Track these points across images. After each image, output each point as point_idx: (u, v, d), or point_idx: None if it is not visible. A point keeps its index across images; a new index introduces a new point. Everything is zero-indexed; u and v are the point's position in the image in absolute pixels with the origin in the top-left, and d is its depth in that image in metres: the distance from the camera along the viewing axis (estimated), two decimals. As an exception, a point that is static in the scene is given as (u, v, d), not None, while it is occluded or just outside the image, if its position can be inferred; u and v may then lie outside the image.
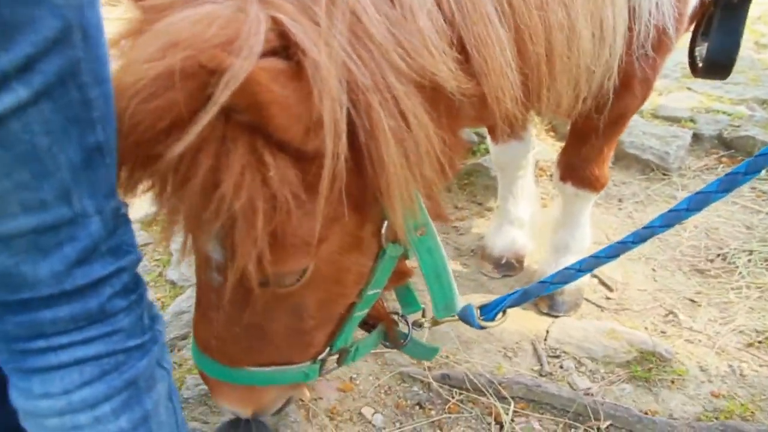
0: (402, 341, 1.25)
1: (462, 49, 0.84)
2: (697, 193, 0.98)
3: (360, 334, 1.21)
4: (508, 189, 2.08)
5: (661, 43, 1.29)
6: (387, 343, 1.26)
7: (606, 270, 2.14)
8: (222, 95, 0.60)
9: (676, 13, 1.23)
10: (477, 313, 1.17)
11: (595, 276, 2.10)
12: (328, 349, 1.08)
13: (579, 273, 1.11)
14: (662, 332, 1.88)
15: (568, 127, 1.78)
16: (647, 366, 1.73)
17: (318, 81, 0.67)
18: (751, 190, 2.61)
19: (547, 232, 2.09)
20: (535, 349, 1.80)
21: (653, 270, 2.16)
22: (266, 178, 0.69)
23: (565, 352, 1.79)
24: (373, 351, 1.77)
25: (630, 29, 1.13)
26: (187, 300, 1.96)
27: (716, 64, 1.53)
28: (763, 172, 2.69)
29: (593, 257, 1.09)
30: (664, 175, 2.73)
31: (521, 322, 1.91)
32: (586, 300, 1.99)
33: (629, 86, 1.39)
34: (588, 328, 1.85)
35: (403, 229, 0.91)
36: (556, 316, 1.91)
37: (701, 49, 1.62)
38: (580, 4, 0.95)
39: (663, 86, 3.49)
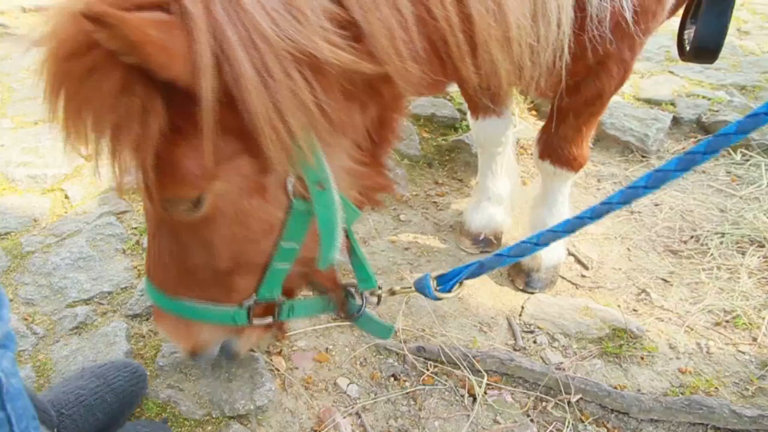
0: (354, 314, 1.29)
1: (354, 25, 0.88)
2: (656, 170, 0.99)
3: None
4: (487, 166, 2.09)
5: (621, 28, 1.27)
6: (341, 314, 1.31)
7: (582, 248, 2.17)
8: (100, 36, 0.75)
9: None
10: (433, 284, 1.20)
11: (571, 254, 2.13)
12: (254, 297, 1.15)
13: (536, 246, 1.14)
14: (634, 310, 1.92)
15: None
16: (618, 342, 1.77)
17: (193, 29, 0.78)
18: (725, 174, 2.65)
19: (526, 210, 2.12)
20: (509, 324, 1.83)
21: (628, 249, 2.20)
22: (135, 106, 0.82)
23: (539, 328, 1.82)
24: (350, 324, 1.80)
25: (582, 10, 1.13)
26: (164, 269, 1.95)
27: (704, 48, 1.53)
28: (738, 155, 2.76)
29: (550, 231, 1.12)
30: (643, 156, 2.76)
31: (497, 298, 1.94)
32: (562, 277, 2.02)
33: (605, 66, 1.40)
34: (562, 304, 1.89)
35: (283, 177, 0.99)
36: (532, 293, 1.94)
37: (690, 33, 1.62)
38: None
39: (645, 69, 3.51)
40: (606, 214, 1.07)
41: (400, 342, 1.73)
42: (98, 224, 2.17)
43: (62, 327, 1.75)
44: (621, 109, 2.99)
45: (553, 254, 1.94)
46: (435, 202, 2.39)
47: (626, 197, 1.03)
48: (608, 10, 1.15)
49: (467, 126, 2.73)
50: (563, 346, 1.77)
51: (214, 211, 0.98)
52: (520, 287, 1.95)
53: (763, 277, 2.04)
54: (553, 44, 1.05)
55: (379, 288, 1.31)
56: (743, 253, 2.16)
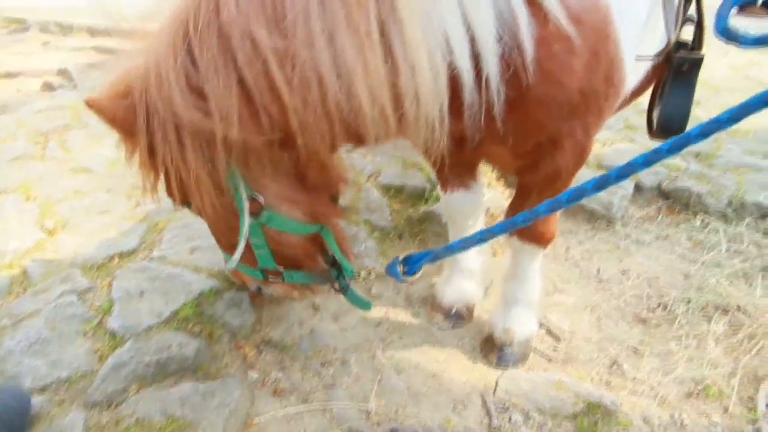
0: (342, 288, 1.62)
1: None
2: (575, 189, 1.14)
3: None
4: (457, 238, 2.10)
5: (572, 108, 1.36)
6: (334, 287, 1.64)
7: (553, 319, 2.18)
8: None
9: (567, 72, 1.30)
10: (401, 268, 1.51)
11: (543, 326, 2.13)
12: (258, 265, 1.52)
13: (480, 242, 1.37)
14: (607, 383, 1.91)
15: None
16: (593, 418, 1.75)
17: (137, 108, 1.17)
18: (687, 240, 2.73)
19: (497, 281, 2.12)
20: (484, 402, 1.80)
21: (598, 319, 2.21)
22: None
23: (513, 405, 1.80)
24: (322, 407, 1.75)
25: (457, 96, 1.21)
26: (127, 351, 1.88)
27: (668, 128, 1.61)
28: (698, 221, 2.85)
29: (488, 230, 1.33)
30: (608, 224, 2.83)
31: (470, 374, 1.91)
32: (534, 351, 2.01)
33: (560, 145, 1.44)
34: (536, 379, 1.87)
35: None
36: (505, 368, 1.92)
37: (657, 113, 1.68)
38: (352, 52, 1.07)
39: (606, 137, 3.65)
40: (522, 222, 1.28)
41: (374, 425, 1.68)
42: (59, 304, 2.10)
43: (15, 419, 1.65)
44: (585, 177, 3.07)
45: (525, 328, 1.94)
46: (406, 274, 2.39)
47: (552, 206, 1.20)
48: (502, 94, 1.22)
49: (437, 196, 2.78)
50: (538, 423, 1.74)
51: (200, 211, 1.36)
52: (493, 363, 1.94)
53: (729, 344, 2.07)
54: (428, 97, 1.14)
55: (358, 274, 1.71)
56: (709, 320, 2.19)
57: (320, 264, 1.61)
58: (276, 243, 1.46)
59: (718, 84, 4.83)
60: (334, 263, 1.59)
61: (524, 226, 1.28)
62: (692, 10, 1.61)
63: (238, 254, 1.40)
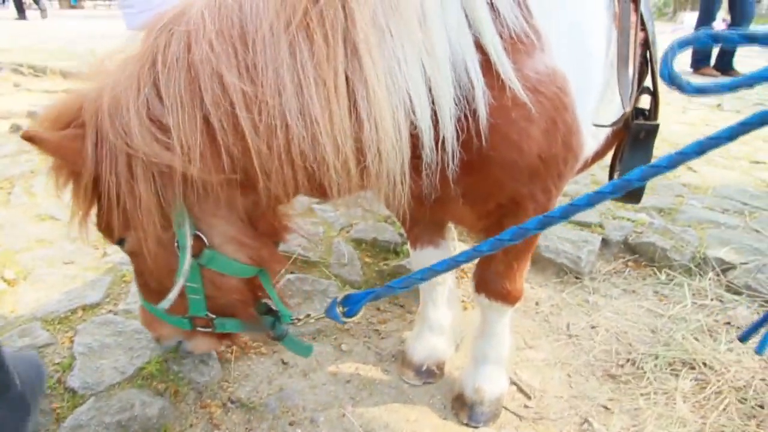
0: (280, 335, 1.61)
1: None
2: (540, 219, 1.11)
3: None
4: (428, 295, 2.11)
5: (532, 171, 1.40)
6: (269, 335, 1.60)
7: (524, 376, 2.18)
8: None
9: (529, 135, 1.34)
10: (340, 309, 1.48)
11: (513, 383, 2.12)
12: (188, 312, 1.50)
13: (421, 280, 1.32)
14: (578, 442, 1.90)
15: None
16: (565, 480, 1.73)
17: (87, 138, 1.19)
18: (654, 294, 2.78)
19: (468, 336, 2.12)
20: (455, 464, 1.77)
21: (569, 376, 2.22)
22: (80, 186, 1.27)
23: (485, 466, 1.77)
24: None
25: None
26: (87, 411, 1.80)
27: (628, 192, 1.67)
28: (663, 275, 2.92)
29: (431, 268, 1.28)
30: (577, 278, 2.87)
31: (442, 434, 1.89)
32: (505, 409, 2.00)
33: (522, 206, 1.48)
34: (507, 439, 1.85)
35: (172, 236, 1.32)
36: (476, 428, 1.90)
37: (617, 176, 1.76)
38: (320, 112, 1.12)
39: (574, 191, 3.75)
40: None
41: (342, 490, 1.64)
42: (17, 360, 2.01)
43: (-38, 487, 1.56)
44: (553, 231, 3.14)
45: (495, 386, 1.93)
46: (377, 330, 2.37)
47: (517, 235, 1.15)
48: (457, 155, 1.26)
49: (407, 251, 2.79)
50: (510, 486, 1.71)
51: (133, 249, 1.38)
52: (464, 421, 1.91)
53: (696, 401, 2.09)
54: (390, 153, 1.17)
55: (297, 318, 1.60)
56: (677, 376, 2.22)
57: (253, 312, 1.58)
58: (213, 286, 1.44)
59: (676, 140, 5.04)
60: (268, 311, 1.59)
61: (489, 252, 1.21)
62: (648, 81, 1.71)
63: (173, 295, 1.38)
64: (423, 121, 1.18)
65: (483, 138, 1.26)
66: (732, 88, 0.88)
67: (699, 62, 8.74)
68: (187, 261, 1.32)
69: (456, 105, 1.21)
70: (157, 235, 1.27)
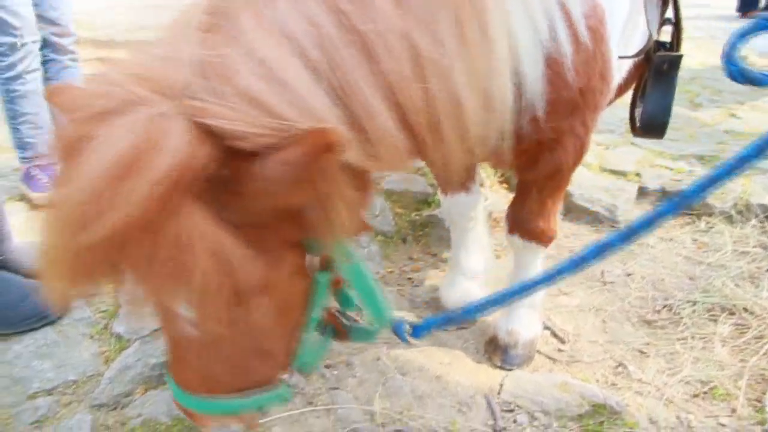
0: (348, 334, 1.35)
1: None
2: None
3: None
4: (460, 241, 2.11)
5: (573, 106, 1.38)
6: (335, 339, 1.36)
7: (558, 321, 2.18)
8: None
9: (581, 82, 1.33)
10: (407, 328, 1.31)
11: (547, 328, 2.13)
12: (293, 367, 1.16)
13: (496, 304, 1.23)
14: (613, 384, 1.90)
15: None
16: (599, 419, 1.74)
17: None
18: (692, 242, 2.72)
19: (501, 284, 2.12)
20: (488, 404, 1.80)
21: (603, 321, 2.21)
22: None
23: (518, 406, 1.79)
24: (326, 409, 1.75)
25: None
26: (133, 354, 1.89)
27: (651, 125, 1.65)
28: (703, 223, 2.84)
29: (504, 294, 1.21)
30: (612, 227, 2.83)
31: (475, 376, 1.91)
32: (539, 352, 2.01)
33: (561, 142, 1.47)
34: (541, 381, 1.86)
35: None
36: (510, 370, 1.92)
37: (639, 111, 1.72)
38: (464, 79, 1.02)
39: (609, 141, 3.66)
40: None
41: (379, 427, 1.68)
42: (65, 308, 2.12)
43: (21, 421, 1.66)
44: (589, 180, 3.08)
45: (529, 330, 1.94)
46: (410, 278, 2.39)
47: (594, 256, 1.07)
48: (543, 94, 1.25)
49: (440, 200, 2.78)
50: (543, 425, 1.73)
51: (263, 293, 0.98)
52: (498, 364, 1.93)
53: (736, 346, 2.06)
54: (496, 130, 1.14)
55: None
56: (715, 321, 2.19)
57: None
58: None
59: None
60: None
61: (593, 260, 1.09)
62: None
63: (306, 335, 1.12)
64: (530, 65, 1.17)
65: (568, 76, 1.25)
66: None
67: (747, 5, 8.13)
68: (325, 278, 1.10)
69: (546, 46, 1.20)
70: (301, 260, 1.03)
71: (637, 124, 1.74)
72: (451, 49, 0.99)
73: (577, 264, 1.07)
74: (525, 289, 1.20)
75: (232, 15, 0.89)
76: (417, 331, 1.31)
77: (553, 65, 1.24)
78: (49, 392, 1.77)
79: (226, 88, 0.81)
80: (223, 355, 1.03)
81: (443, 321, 1.34)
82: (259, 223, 0.86)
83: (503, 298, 1.21)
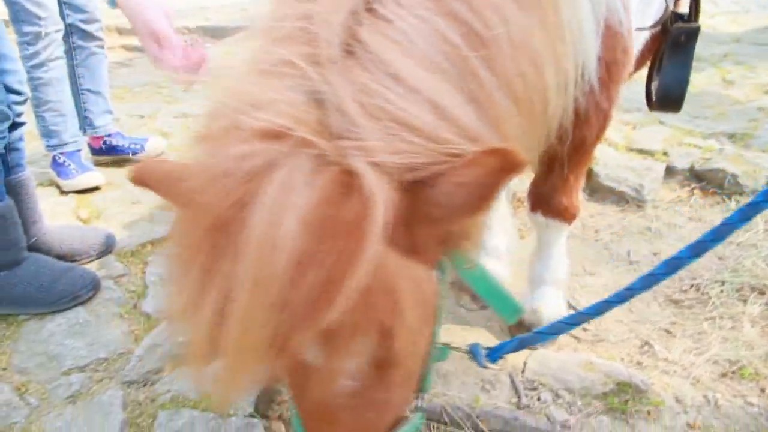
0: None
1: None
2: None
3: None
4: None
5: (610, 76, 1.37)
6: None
7: (583, 301, 2.16)
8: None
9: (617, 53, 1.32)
10: (483, 353, 1.31)
11: (572, 307, 2.11)
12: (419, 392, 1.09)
13: (570, 327, 1.26)
14: (638, 363, 1.89)
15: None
16: (624, 397, 1.73)
17: None
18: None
19: (524, 264, 2.11)
20: (512, 381, 1.80)
21: (629, 301, 2.18)
22: None
23: (542, 384, 1.79)
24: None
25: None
26: (162, 332, 1.93)
27: (667, 98, 1.63)
28: (733, 203, 2.78)
29: (580, 313, 1.24)
30: (639, 206, 2.78)
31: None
32: (563, 331, 2.00)
33: (586, 116, 1.45)
34: (565, 359, 1.86)
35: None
36: (534, 349, 1.91)
37: (656, 84, 1.69)
38: (547, 60, 0.99)
39: (636, 120, 3.58)
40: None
41: (402, 403, 1.70)
42: (96, 289, 2.17)
43: (57, 396, 1.72)
44: (615, 159, 3.04)
45: (553, 308, 1.93)
46: (433, 257, 2.39)
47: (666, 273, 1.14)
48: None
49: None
50: (568, 402, 1.73)
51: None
52: (522, 343, 1.93)
53: (766, 325, 2.02)
54: (563, 110, 1.12)
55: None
56: (744, 301, 2.14)
57: None
58: None
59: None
60: None
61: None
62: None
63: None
64: (590, 43, 1.16)
65: (625, 49, 1.25)
66: None
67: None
68: (474, 279, 1.08)
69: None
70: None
71: (653, 99, 1.72)
72: (541, 37, 0.96)
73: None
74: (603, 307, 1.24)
75: (354, 36, 0.80)
76: (493, 354, 1.30)
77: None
78: (81, 369, 1.83)
79: (381, 119, 0.74)
80: (375, 398, 0.89)
81: (517, 345, 1.31)
82: (418, 248, 0.80)
83: (581, 317, 1.23)
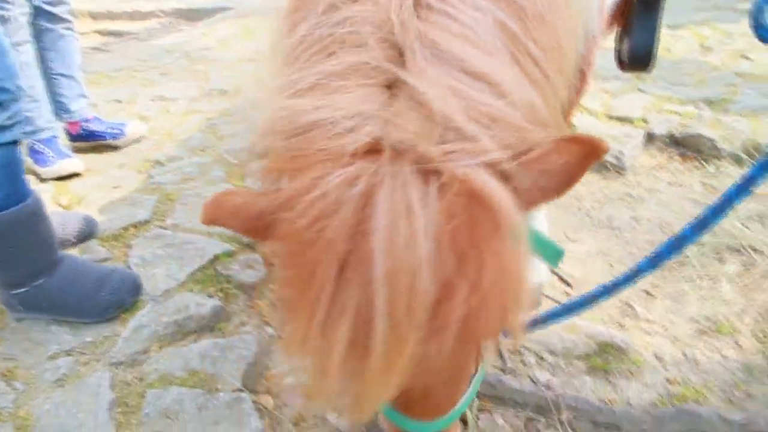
0: None
1: None
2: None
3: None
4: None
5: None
6: None
7: (565, 267, 2.19)
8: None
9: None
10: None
11: (554, 273, 2.14)
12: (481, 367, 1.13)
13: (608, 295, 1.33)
14: (620, 324, 1.92)
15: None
16: (605, 357, 1.77)
17: None
18: (701, 186, 2.70)
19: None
20: (496, 346, 1.83)
21: (611, 265, 2.22)
22: None
23: (526, 348, 1.82)
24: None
25: None
26: (147, 314, 1.93)
27: (637, 58, 1.65)
28: (712, 167, 2.81)
29: (614, 283, 1.30)
30: (619, 173, 2.81)
31: (483, 321, 1.94)
32: (546, 297, 2.03)
33: (584, 76, 1.45)
34: (548, 323, 1.89)
35: None
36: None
37: (625, 45, 1.71)
38: (569, 30, 0.99)
39: (615, 88, 3.60)
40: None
41: (388, 372, 1.72)
42: (79, 274, 2.16)
43: (44, 380, 1.72)
44: (595, 127, 3.05)
45: (534, 274, 1.95)
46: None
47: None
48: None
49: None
50: (551, 364, 1.76)
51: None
52: (505, 309, 1.95)
53: (743, 284, 2.06)
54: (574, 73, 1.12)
55: None
56: (722, 261, 2.19)
57: None
58: None
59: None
60: None
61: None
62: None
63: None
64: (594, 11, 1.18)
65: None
66: None
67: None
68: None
69: None
70: None
71: (623, 58, 1.73)
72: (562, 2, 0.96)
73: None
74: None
75: (413, 35, 0.77)
76: (541, 322, 1.35)
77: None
78: (68, 353, 1.82)
79: (473, 117, 0.73)
80: (469, 367, 1.01)
81: (563, 312, 1.37)
82: None
83: (591, 299, 1.29)
